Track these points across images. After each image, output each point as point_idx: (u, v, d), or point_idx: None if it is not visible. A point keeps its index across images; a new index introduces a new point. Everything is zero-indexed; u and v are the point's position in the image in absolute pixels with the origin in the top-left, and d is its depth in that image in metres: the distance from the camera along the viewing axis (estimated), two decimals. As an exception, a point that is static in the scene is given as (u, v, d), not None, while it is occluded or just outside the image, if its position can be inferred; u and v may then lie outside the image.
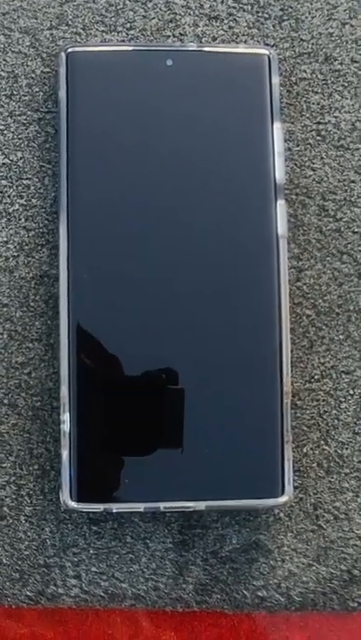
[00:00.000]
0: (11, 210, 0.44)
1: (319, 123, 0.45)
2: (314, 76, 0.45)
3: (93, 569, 0.43)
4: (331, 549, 0.44)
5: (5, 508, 0.43)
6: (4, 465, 0.43)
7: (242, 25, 0.45)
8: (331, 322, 0.45)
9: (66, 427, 0.42)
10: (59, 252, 0.42)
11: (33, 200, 0.44)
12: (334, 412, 0.44)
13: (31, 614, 0.44)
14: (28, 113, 0.44)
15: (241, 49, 0.44)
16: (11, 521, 0.43)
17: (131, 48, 0.44)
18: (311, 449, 0.44)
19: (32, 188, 0.44)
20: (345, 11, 0.45)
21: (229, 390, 0.42)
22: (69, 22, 0.45)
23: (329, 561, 0.44)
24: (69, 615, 0.44)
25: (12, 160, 0.44)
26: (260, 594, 0.44)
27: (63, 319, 0.42)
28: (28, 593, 0.43)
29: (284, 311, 0.43)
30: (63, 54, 0.43)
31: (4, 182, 0.44)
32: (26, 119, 0.44)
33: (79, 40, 0.45)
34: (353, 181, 0.45)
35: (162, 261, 0.42)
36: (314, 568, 0.44)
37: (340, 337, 0.44)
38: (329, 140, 0.45)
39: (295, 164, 0.45)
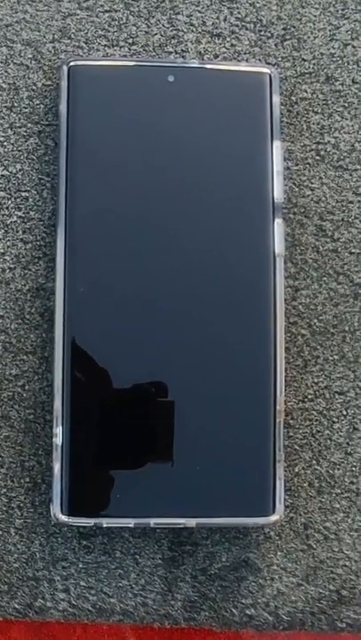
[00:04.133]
0: (8, 222, 0.44)
1: (319, 143, 0.45)
2: (315, 95, 0.45)
3: (82, 583, 0.43)
4: (320, 569, 0.44)
5: (-5, 521, 0.43)
6: (-5, 477, 0.43)
7: (244, 43, 0.45)
8: (325, 342, 0.45)
9: (58, 440, 0.41)
10: (55, 265, 0.42)
11: (31, 212, 0.44)
12: (327, 432, 0.44)
13: (19, 627, 0.43)
14: (29, 125, 0.44)
15: (243, 67, 0.44)
16: (0, 533, 0.43)
17: (133, 63, 0.44)
18: (303, 468, 0.44)
19: (30, 200, 0.44)
20: (347, 32, 0.46)
21: (222, 407, 0.42)
22: (72, 36, 0.45)
23: (318, 581, 0.44)
24: (57, 629, 0.43)
25: (10, 172, 0.44)
26: (248, 612, 0.44)
27: (58, 332, 0.42)
28: (16, 606, 0.43)
29: (280, 330, 0.43)
30: (65, 67, 0.43)
31: (2, 194, 0.44)
32: (26, 131, 0.44)
33: (81, 54, 0.45)
34: (351, 202, 0.45)
35: (158, 277, 0.42)
36: (303, 587, 0.44)
37: (335, 357, 0.45)
38: (328, 161, 0.45)
39: (294, 184, 0.45)
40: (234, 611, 0.44)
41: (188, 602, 0.44)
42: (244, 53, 0.45)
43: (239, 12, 0.45)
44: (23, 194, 0.44)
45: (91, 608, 0.43)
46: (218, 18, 0.45)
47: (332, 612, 0.44)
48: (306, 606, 0.44)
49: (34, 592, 0.43)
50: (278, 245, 0.43)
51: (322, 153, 0.45)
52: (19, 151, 0.44)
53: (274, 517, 0.42)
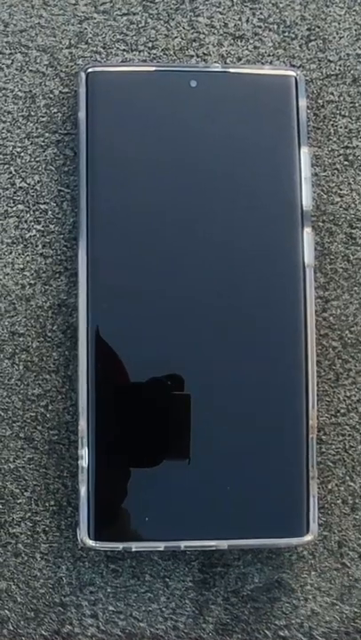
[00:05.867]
0: (27, 236, 0.43)
1: (347, 147, 0.44)
2: (342, 98, 0.44)
3: (111, 608, 0.42)
4: (355, 588, 0.43)
5: (20, 545, 0.42)
6: (19, 501, 0.42)
7: (267, 45, 0.44)
8: (358, 354, 0.43)
9: (84, 462, 0.40)
10: (77, 280, 0.41)
11: (51, 226, 0.43)
12: (360, 447, 0.43)
13: (46, 654, 0.42)
14: (46, 135, 0.43)
15: (267, 70, 0.43)
16: (26, 558, 0.42)
17: (153, 68, 0.42)
18: (336, 485, 0.43)
19: (50, 213, 0.43)
20: (374, 31, 0.44)
21: (253, 425, 0.41)
22: (89, 41, 0.43)
23: (353, 600, 0.43)
24: (85, 656, 0.42)
25: (29, 184, 0.43)
26: (282, 634, 0.42)
27: (82, 350, 0.40)
28: (44, 632, 0.42)
29: (310, 343, 0.41)
30: (83, 74, 0.42)
31: (20, 207, 0.43)
32: (44, 141, 0.43)
33: (99, 59, 0.43)
34: (382, 209, 0.44)
35: (185, 291, 0.41)
36: (337, 607, 0.43)
37: (368, 370, 0.43)
38: (357, 165, 0.44)
39: (322, 190, 0.44)
40: (267, 632, 0.42)
41: (220, 624, 0.42)
42: (268, 55, 0.44)
43: (262, 13, 0.44)
44: (42, 206, 0.43)
45: (120, 633, 0.42)
46: (240, 19, 0.44)
47: (367, 632, 0.43)
48: (341, 626, 0.43)
49: (61, 618, 0.42)
50: (308, 255, 0.41)
51: (350, 158, 0.44)
52: (37, 162, 0.43)
53: (308, 537, 0.41)
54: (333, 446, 0.43)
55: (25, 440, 0.42)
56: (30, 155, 0.43)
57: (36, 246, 0.43)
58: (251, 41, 0.44)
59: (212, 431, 0.41)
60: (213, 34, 0.44)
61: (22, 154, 0.43)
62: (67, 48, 0.43)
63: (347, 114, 0.44)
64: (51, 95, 0.43)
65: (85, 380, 0.40)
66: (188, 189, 0.41)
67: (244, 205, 0.41)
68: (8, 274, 0.42)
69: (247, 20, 0.44)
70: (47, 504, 0.42)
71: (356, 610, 0.43)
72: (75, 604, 0.42)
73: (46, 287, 0.42)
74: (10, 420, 0.42)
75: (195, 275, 0.41)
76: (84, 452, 0.40)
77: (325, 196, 0.44)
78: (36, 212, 0.43)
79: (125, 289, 0.41)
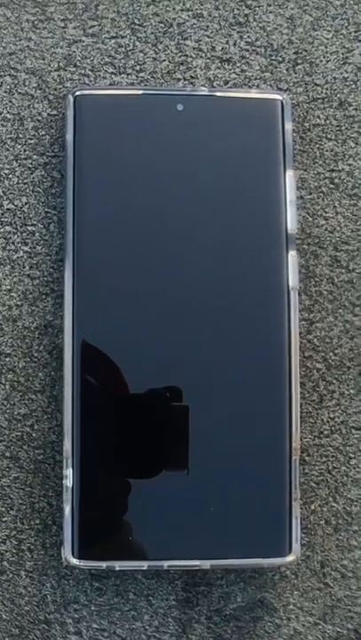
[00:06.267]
0: (15, 257, 0.43)
1: (333, 170, 0.44)
2: (328, 121, 0.44)
3: (95, 625, 0.42)
4: (337, 608, 0.43)
5: (5, 563, 0.42)
6: (4, 519, 0.42)
7: (254, 68, 0.44)
8: (341, 376, 0.43)
9: (68, 482, 0.41)
10: (64, 301, 0.41)
11: (38, 247, 0.43)
12: (343, 468, 0.43)
13: (30, 671, 0.43)
14: (34, 157, 0.43)
15: (253, 94, 0.43)
16: (11, 576, 0.42)
17: (140, 92, 0.42)
18: (319, 506, 0.43)
19: (37, 234, 0.43)
20: (361, 55, 0.44)
21: (236, 447, 0.41)
22: (77, 63, 0.44)
23: (335, 620, 0.43)
24: (69, 673, 0.43)
25: (16, 205, 0.43)
26: (264, 652, 0.43)
27: (67, 371, 0.41)
28: (28, 649, 0.42)
29: (294, 364, 0.42)
30: (71, 97, 0.42)
31: (8, 228, 0.43)
32: (31, 163, 0.43)
33: (87, 82, 0.44)
34: (366, 232, 0.44)
35: (170, 315, 0.41)
36: (320, 627, 0.43)
37: (351, 391, 0.43)
38: (342, 189, 0.44)
39: (307, 213, 0.44)
40: (250, 651, 0.43)
41: (204, 643, 0.43)
42: (255, 79, 0.44)
43: (249, 37, 0.44)
44: (29, 228, 0.43)
45: (104, 650, 0.43)
46: (227, 42, 0.44)
47: (350, 651, 0.43)
48: (323, 645, 0.43)
49: (45, 635, 0.42)
50: (292, 278, 0.42)
51: (336, 181, 0.44)
52: (24, 184, 0.43)
53: (290, 557, 0.41)
54: (317, 467, 0.43)
55: (11, 459, 0.42)
56: (18, 177, 0.43)
57: (24, 267, 0.43)
58: (238, 64, 0.44)
59: (191, 454, 0.41)
60: (201, 57, 0.44)
61: (10, 176, 0.43)
62: (55, 71, 0.44)
63: (333, 137, 0.44)
64: (39, 117, 0.43)
65: (70, 401, 0.41)
66: (174, 212, 0.42)
67: (230, 228, 0.42)
68: (-5, 294, 0.43)
69: (234, 44, 0.44)
70: (32, 522, 0.42)
71: (338, 629, 0.43)
72: (59, 621, 0.42)
73: (33, 308, 0.43)
74: (-4, 440, 0.43)
75: (180, 298, 0.41)
76: (68, 472, 0.40)
77: (311, 219, 0.44)
78: (24, 234, 0.43)
79: (110, 310, 0.41)
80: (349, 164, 0.44)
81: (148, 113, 0.42)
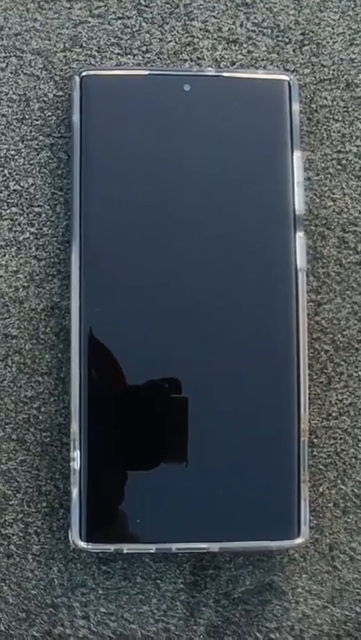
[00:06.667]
0: (21, 238, 0.43)
1: (340, 151, 0.44)
2: (335, 103, 0.44)
3: (102, 609, 0.42)
4: (346, 591, 0.43)
5: (12, 546, 0.42)
6: (11, 502, 0.42)
7: (261, 49, 0.44)
8: (350, 357, 0.43)
9: (76, 464, 0.40)
10: (70, 282, 0.41)
11: (44, 228, 0.43)
12: (352, 450, 0.43)
13: (37, 655, 0.42)
14: (40, 138, 0.43)
15: (260, 74, 0.43)
16: (18, 559, 0.42)
17: (147, 72, 0.42)
18: (328, 488, 0.43)
19: (43, 215, 0.43)
20: (368, 36, 0.44)
21: (245, 429, 0.41)
22: (83, 44, 0.43)
23: (344, 603, 0.43)
24: (77, 657, 0.42)
25: (22, 187, 0.43)
26: (273, 636, 0.43)
27: (74, 352, 0.41)
28: (35, 633, 0.42)
29: (302, 346, 0.41)
30: (77, 78, 0.42)
31: (14, 210, 0.43)
32: (38, 144, 0.43)
33: (93, 63, 0.43)
34: (374, 213, 0.44)
35: (178, 294, 0.41)
36: (328, 610, 0.43)
37: (360, 373, 0.43)
38: (350, 170, 0.44)
39: (315, 195, 0.44)
40: (258, 635, 0.43)
41: (212, 627, 0.42)
42: (262, 60, 0.44)
43: (256, 17, 0.44)
44: (36, 209, 0.43)
45: (111, 634, 0.42)
46: (234, 23, 0.44)
47: (358, 635, 0.43)
48: (332, 629, 0.43)
49: (52, 619, 0.42)
50: (300, 259, 0.42)
51: (343, 162, 0.44)
52: (30, 165, 0.43)
53: (299, 540, 0.41)
54: (325, 449, 0.43)
55: (17, 442, 0.42)
56: (24, 158, 0.43)
57: (30, 249, 0.43)
58: (245, 45, 0.44)
59: (204, 435, 0.41)
60: (207, 38, 0.44)
61: (16, 157, 0.43)
62: (61, 51, 0.43)
63: (340, 118, 0.44)
64: (45, 98, 0.43)
65: (78, 383, 0.40)
66: (182, 193, 0.41)
67: (237, 209, 0.42)
68: (1, 276, 0.43)
69: (241, 25, 0.44)
70: (39, 506, 0.42)
71: (347, 613, 0.43)
72: (66, 605, 0.42)
73: (39, 289, 0.43)
74: (2, 422, 0.42)
75: (187, 278, 0.41)
76: (75, 455, 0.40)
77: (318, 200, 0.44)
78: (30, 215, 0.43)
79: (118, 291, 0.41)
80: (357, 146, 0.44)
81: (154, 94, 0.42)
